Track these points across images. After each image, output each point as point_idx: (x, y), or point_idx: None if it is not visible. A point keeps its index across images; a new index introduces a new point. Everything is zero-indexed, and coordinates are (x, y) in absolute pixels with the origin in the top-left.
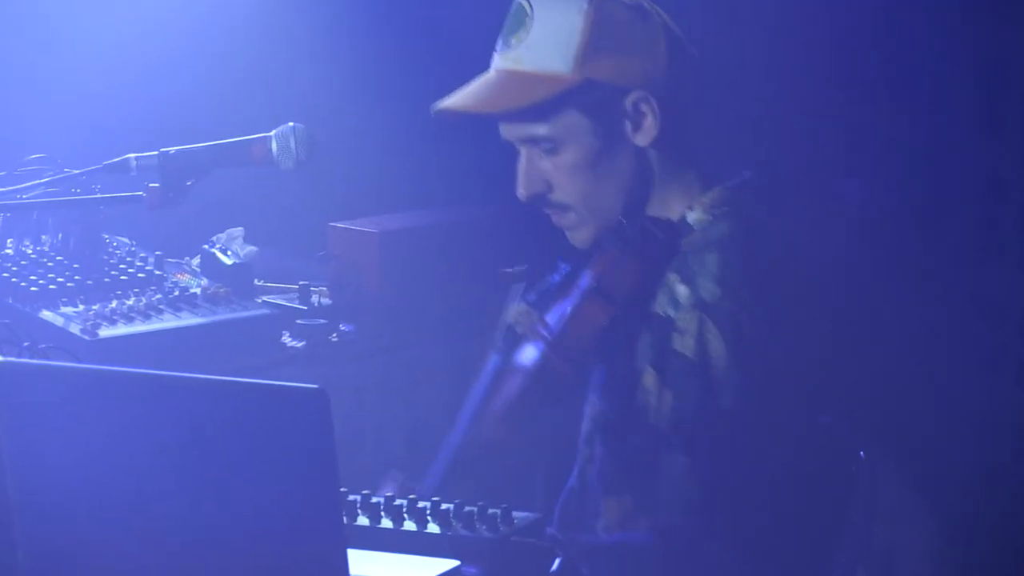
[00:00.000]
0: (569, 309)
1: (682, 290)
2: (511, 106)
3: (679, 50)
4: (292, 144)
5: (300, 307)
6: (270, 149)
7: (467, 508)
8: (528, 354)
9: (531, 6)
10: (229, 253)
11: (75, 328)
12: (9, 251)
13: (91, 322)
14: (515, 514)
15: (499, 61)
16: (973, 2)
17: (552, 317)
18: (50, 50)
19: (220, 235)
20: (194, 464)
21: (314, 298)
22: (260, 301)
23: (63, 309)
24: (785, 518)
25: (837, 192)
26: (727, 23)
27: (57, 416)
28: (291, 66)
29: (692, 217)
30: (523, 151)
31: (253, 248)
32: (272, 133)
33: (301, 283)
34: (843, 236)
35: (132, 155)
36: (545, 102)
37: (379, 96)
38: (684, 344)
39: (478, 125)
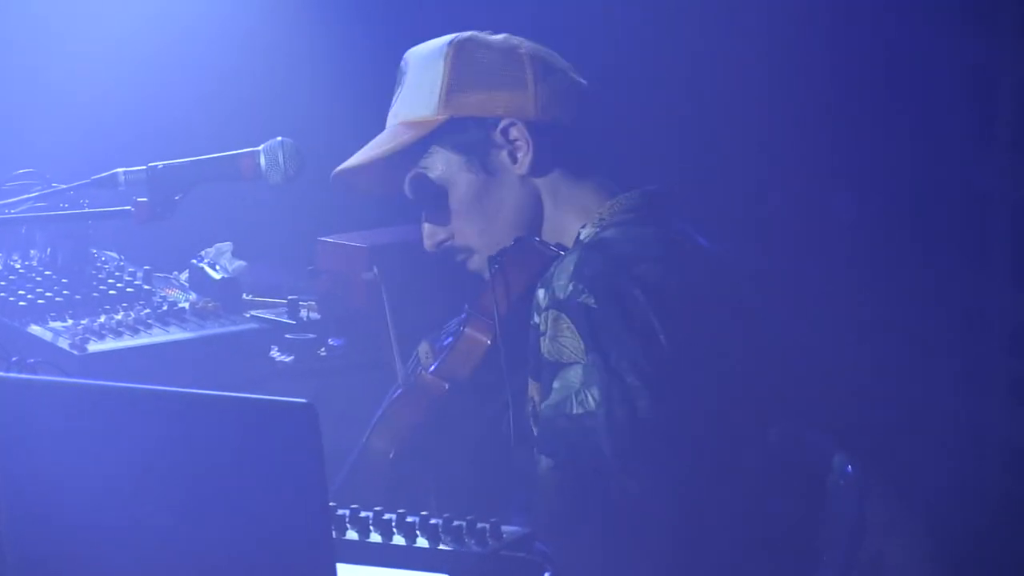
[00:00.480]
0: (452, 335)
1: (540, 293)
2: (381, 153)
3: (551, 79)
4: (280, 159)
5: (289, 322)
6: (258, 164)
7: (456, 523)
8: (413, 376)
9: (407, 62)
10: (217, 268)
11: (64, 343)
12: None
13: (80, 337)
14: (504, 528)
15: (388, 118)
16: (964, 15)
17: (444, 347)
18: (38, 65)
19: (208, 250)
20: (183, 478)
21: (303, 312)
22: (249, 316)
23: (52, 324)
24: (689, 524)
25: (827, 205)
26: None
27: (46, 431)
28: (280, 80)
29: (583, 233)
30: (424, 214)
31: (242, 263)
32: (260, 148)
33: (290, 298)
34: (833, 248)
35: (120, 170)
36: (414, 144)
37: (369, 110)
38: (545, 347)
39: None
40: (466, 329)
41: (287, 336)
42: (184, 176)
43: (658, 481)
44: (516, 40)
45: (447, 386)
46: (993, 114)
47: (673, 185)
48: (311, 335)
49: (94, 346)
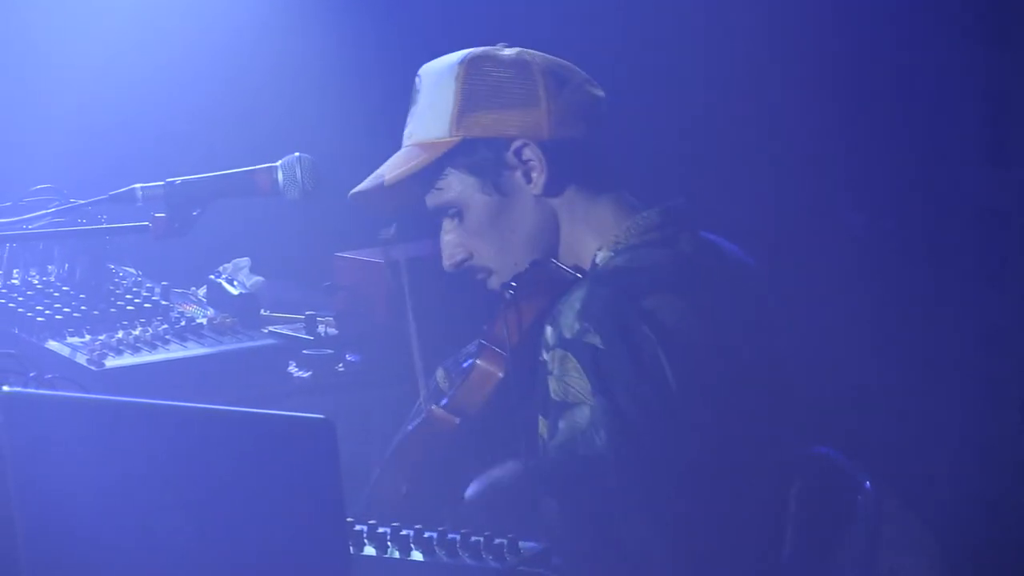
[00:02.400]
0: (467, 366)
1: (548, 331)
2: (395, 177)
3: (565, 94)
4: (298, 174)
5: (306, 337)
6: (276, 179)
7: (474, 538)
8: (425, 409)
9: (420, 80)
10: (235, 283)
11: (81, 358)
12: (15, 281)
13: (97, 352)
14: (521, 544)
15: (404, 137)
16: (975, 32)
17: (458, 376)
18: (56, 81)
19: (226, 265)
20: (201, 494)
21: (320, 328)
22: (266, 331)
23: (69, 339)
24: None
25: (837, 220)
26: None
27: (63, 446)
28: (297, 96)
29: (599, 257)
30: (443, 224)
31: (259, 278)
32: (278, 163)
33: (307, 313)
34: (847, 267)
35: (138, 185)
36: (428, 167)
37: (386, 126)
38: (552, 386)
39: None
40: (478, 361)
41: (305, 352)
42: (202, 191)
43: (668, 522)
44: (529, 55)
45: (458, 421)
46: (1007, 130)
47: (692, 197)
48: (329, 351)
49: (112, 362)
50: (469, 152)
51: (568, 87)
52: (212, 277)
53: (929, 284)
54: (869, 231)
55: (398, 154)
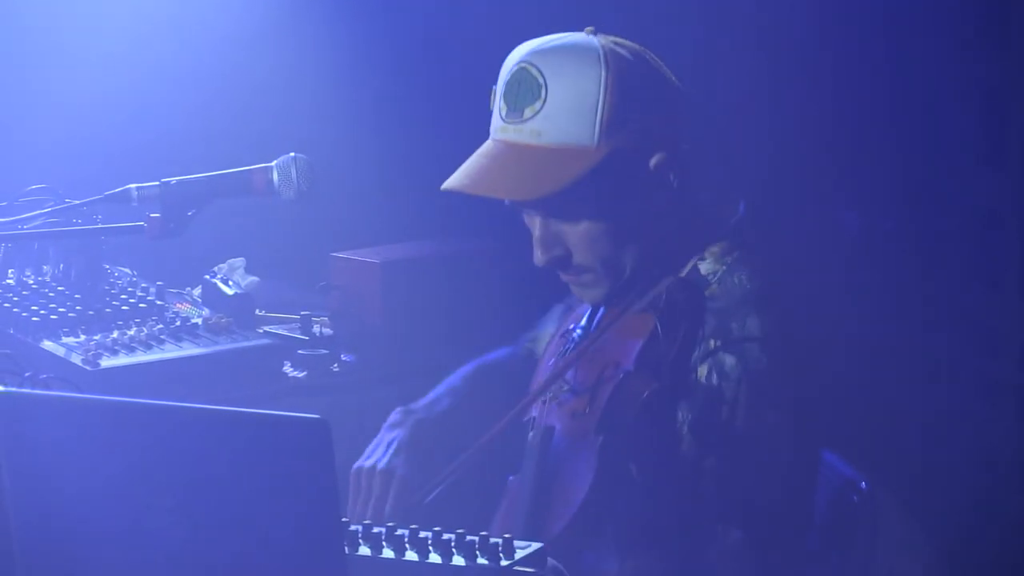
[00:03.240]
0: (610, 388)
1: (729, 360)
2: (545, 192)
3: (683, 98)
4: (293, 174)
5: (301, 337)
6: (271, 179)
7: (469, 538)
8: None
9: (542, 74)
10: (230, 283)
11: (76, 358)
12: (11, 281)
13: (92, 352)
14: (517, 544)
15: (512, 133)
16: (973, 33)
17: (585, 390)
18: (52, 81)
19: (221, 265)
20: (196, 494)
21: (315, 328)
22: (261, 331)
23: (64, 339)
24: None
25: (836, 223)
26: (725, 55)
27: (59, 446)
28: (293, 97)
29: (705, 267)
30: (537, 219)
31: (254, 278)
32: (273, 163)
33: (302, 313)
34: (842, 267)
35: (133, 185)
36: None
37: (381, 126)
38: (733, 412)
39: None
40: (627, 381)
41: (300, 352)
42: (197, 192)
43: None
44: (648, 55)
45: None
46: (1002, 130)
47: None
48: (324, 351)
49: (107, 362)
50: (617, 164)
51: (681, 89)
52: (207, 277)
53: (926, 284)
54: (866, 231)
55: (523, 157)
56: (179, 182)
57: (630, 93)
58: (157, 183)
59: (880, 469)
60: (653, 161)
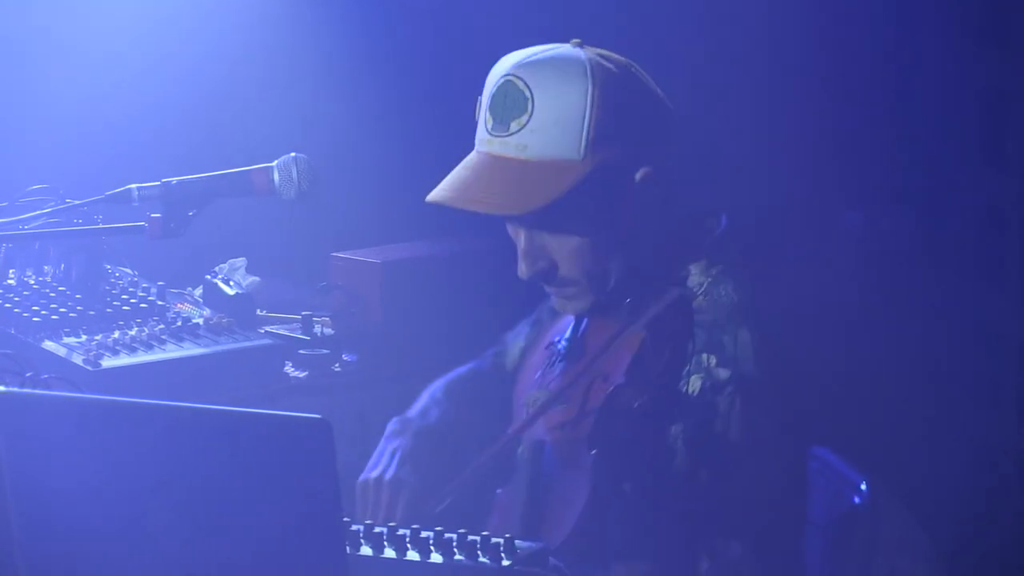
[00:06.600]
0: (601, 400)
1: (722, 373)
2: (531, 207)
3: (668, 111)
4: (294, 174)
5: (303, 337)
6: (272, 179)
7: (470, 538)
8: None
9: (529, 87)
10: (231, 283)
11: (78, 358)
12: (11, 281)
13: (93, 352)
14: (518, 544)
15: (497, 146)
16: (975, 34)
17: (574, 403)
18: (52, 81)
19: (222, 265)
20: (197, 494)
21: (316, 328)
22: (262, 331)
23: (66, 339)
24: None
25: (838, 224)
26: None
27: (60, 446)
28: (293, 96)
29: (690, 281)
30: (522, 232)
31: (255, 278)
32: (274, 163)
33: (303, 313)
34: (843, 267)
35: (134, 185)
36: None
37: (382, 126)
38: (727, 424)
39: None
40: (615, 395)
41: (301, 352)
42: (198, 192)
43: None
44: (634, 68)
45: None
46: (1005, 130)
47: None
48: (325, 351)
49: (108, 362)
50: (602, 178)
51: (664, 102)
52: (208, 277)
53: (926, 284)
54: (866, 231)
55: (509, 170)
56: (180, 182)
57: (616, 107)
58: (158, 183)
59: (880, 469)
60: (639, 175)
